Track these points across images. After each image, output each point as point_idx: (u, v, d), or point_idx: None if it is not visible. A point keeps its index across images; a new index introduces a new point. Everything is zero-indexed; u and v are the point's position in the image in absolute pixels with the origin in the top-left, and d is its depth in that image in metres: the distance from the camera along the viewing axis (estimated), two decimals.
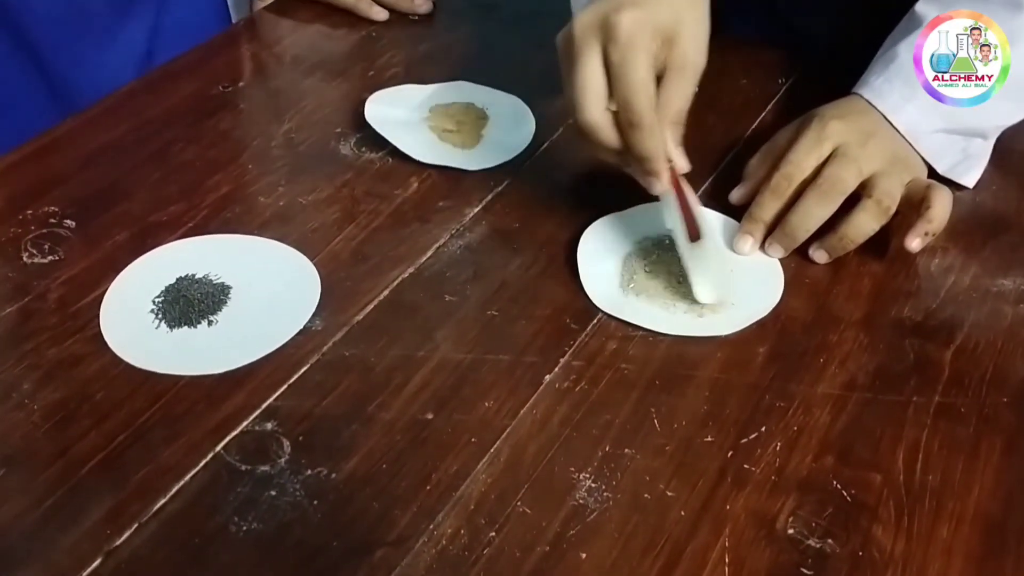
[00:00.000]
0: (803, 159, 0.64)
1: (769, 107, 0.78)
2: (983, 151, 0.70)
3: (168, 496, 0.49)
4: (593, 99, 0.57)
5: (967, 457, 0.53)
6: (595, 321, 0.60)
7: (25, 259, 0.62)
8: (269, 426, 0.53)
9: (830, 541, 0.48)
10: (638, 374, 0.56)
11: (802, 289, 0.62)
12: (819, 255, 0.63)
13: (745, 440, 0.53)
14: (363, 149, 0.72)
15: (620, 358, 0.57)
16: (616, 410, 0.54)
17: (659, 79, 0.58)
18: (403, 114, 0.74)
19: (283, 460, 0.51)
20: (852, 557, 0.48)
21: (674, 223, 0.61)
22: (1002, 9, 0.66)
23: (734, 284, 0.61)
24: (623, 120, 0.58)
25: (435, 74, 0.79)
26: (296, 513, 0.49)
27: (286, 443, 0.52)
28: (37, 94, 0.84)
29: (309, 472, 0.51)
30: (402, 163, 0.71)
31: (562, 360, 0.57)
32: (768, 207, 0.64)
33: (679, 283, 0.61)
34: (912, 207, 0.63)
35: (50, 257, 0.63)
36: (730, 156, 0.73)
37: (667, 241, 0.63)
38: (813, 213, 0.62)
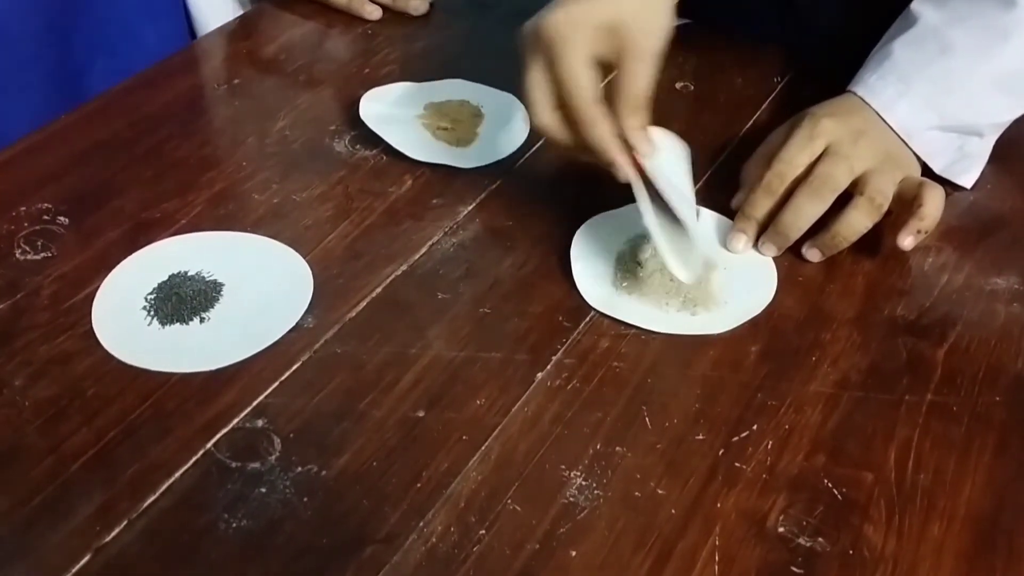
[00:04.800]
0: (795, 157, 0.64)
1: (764, 105, 0.78)
2: (981, 151, 0.70)
3: (158, 493, 0.49)
4: (539, 103, 0.59)
5: (959, 456, 0.53)
6: (587, 319, 0.59)
7: (18, 255, 0.62)
8: (260, 423, 0.53)
9: (820, 540, 0.48)
10: (630, 372, 0.56)
11: (795, 287, 0.62)
12: (812, 253, 0.63)
13: (736, 438, 0.53)
14: (357, 147, 0.72)
15: (612, 356, 0.57)
16: (607, 408, 0.54)
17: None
18: (398, 112, 0.74)
19: (273, 457, 0.51)
20: (842, 556, 0.48)
21: (645, 209, 0.60)
22: (994, 6, 0.66)
23: (722, 279, 0.61)
24: (570, 117, 0.58)
25: (430, 72, 0.79)
26: (286, 510, 0.49)
27: (277, 440, 0.52)
28: None
29: (299, 469, 0.51)
30: (396, 161, 0.71)
31: (554, 358, 0.57)
32: (760, 205, 0.64)
33: (672, 281, 0.61)
34: (904, 205, 0.63)
35: (43, 254, 0.63)
36: (725, 154, 0.73)
37: None
38: (805, 211, 0.62)
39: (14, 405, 0.53)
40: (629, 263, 0.62)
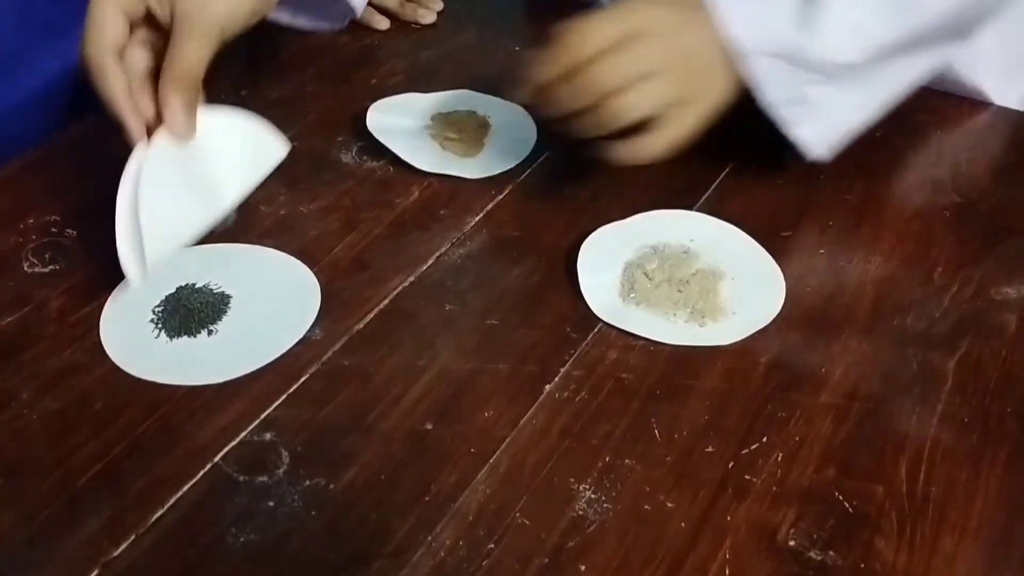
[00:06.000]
0: (600, 30, 0.59)
1: None
2: (826, 103, 0.64)
3: (166, 507, 0.49)
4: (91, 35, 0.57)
5: (970, 468, 0.52)
6: (595, 330, 0.59)
7: (26, 268, 0.62)
8: (268, 436, 0.53)
9: (832, 553, 0.48)
10: (638, 384, 0.56)
11: (803, 298, 0.62)
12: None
13: (746, 450, 0.53)
14: (364, 158, 0.72)
15: (620, 368, 0.57)
16: (616, 420, 0.54)
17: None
18: (405, 122, 0.74)
19: (281, 471, 0.51)
20: (854, 569, 0.48)
21: (126, 181, 0.56)
22: None
23: (729, 290, 0.61)
24: (82, 62, 0.56)
25: (437, 82, 0.79)
26: (294, 524, 0.49)
27: (284, 453, 0.52)
28: None
29: (307, 483, 0.50)
30: (403, 171, 0.70)
31: (562, 370, 0.57)
32: (549, 70, 0.60)
33: (679, 292, 0.61)
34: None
35: (51, 266, 0.63)
36: (731, 164, 0.72)
37: (667, 250, 0.63)
38: (568, 100, 0.60)
39: (22, 418, 0.53)
40: (636, 274, 0.62)
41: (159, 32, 0.58)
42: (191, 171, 0.58)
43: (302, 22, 0.70)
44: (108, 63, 0.56)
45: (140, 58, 0.58)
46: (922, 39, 0.65)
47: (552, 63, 0.60)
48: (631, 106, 0.60)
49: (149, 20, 0.58)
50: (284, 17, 0.63)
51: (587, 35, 0.60)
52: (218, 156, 0.59)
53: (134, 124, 0.56)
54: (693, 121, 0.62)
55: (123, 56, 0.57)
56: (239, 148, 0.60)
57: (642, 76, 0.59)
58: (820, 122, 0.65)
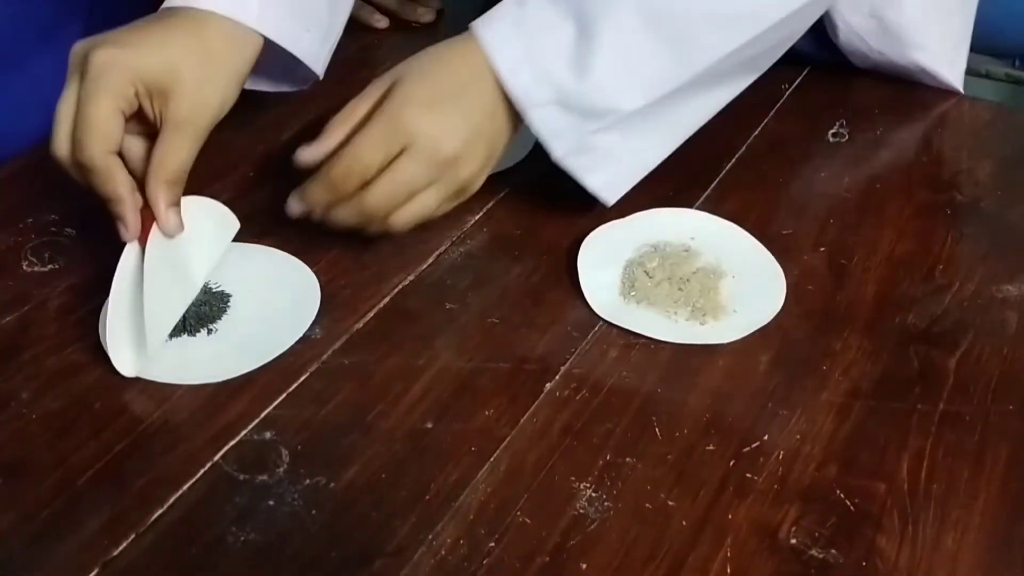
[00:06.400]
0: (367, 155, 0.58)
1: (772, 113, 0.78)
2: (613, 150, 0.62)
3: (166, 506, 0.49)
4: (60, 132, 0.56)
5: (972, 465, 0.52)
6: (596, 329, 0.59)
7: (25, 268, 0.62)
8: (268, 435, 0.52)
9: (833, 551, 0.48)
10: (639, 382, 0.56)
11: (804, 296, 0.62)
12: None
13: (747, 449, 0.53)
14: None
15: (621, 366, 0.57)
16: (617, 419, 0.54)
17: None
18: None
19: (282, 469, 0.51)
20: (856, 567, 0.47)
21: (121, 275, 0.56)
22: None
23: (730, 288, 0.61)
24: (77, 159, 0.55)
25: None
26: (294, 523, 0.48)
27: (285, 452, 0.52)
28: None
29: (308, 482, 0.50)
30: None
31: (563, 368, 0.57)
32: (319, 198, 0.59)
33: (680, 291, 0.60)
34: None
35: (50, 266, 0.63)
36: (732, 162, 0.72)
37: (668, 248, 0.63)
38: (345, 221, 0.60)
39: (21, 418, 0.53)
40: (637, 272, 0.62)
41: (139, 122, 0.58)
42: (176, 260, 0.58)
43: (262, 85, 0.70)
44: (113, 165, 0.56)
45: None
46: (708, 78, 0.62)
47: (321, 190, 0.59)
48: (404, 221, 0.60)
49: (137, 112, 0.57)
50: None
51: (353, 163, 0.58)
52: (194, 241, 0.59)
53: (135, 224, 0.56)
54: (467, 197, 0.62)
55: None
56: (210, 230, 0.61)
57: (409, 195, 0.59)
58: (610, 168, 0.63)
